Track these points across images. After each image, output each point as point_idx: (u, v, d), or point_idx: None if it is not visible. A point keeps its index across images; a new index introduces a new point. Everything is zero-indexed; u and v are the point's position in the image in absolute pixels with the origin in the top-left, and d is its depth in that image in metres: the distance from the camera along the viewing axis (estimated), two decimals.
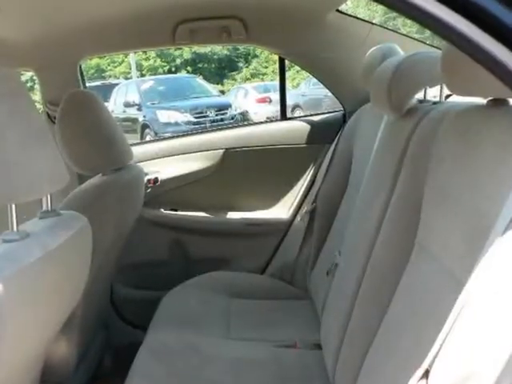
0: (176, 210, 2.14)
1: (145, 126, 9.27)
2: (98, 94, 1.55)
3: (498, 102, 0.86)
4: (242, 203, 2.17)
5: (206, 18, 1.87)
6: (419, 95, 1.28)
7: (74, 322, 1.33)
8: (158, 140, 2.54)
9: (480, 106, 0.90)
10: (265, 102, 10.85)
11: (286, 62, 2.20)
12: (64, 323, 1.21)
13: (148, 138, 8.79)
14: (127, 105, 9.73)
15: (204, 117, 9.24)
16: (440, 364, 0.78)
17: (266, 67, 16.87)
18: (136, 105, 9.63)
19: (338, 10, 1.91)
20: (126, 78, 14.56)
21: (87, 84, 2.16)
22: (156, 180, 2.08)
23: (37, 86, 1.96)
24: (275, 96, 9.20)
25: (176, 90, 10.11)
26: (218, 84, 15.98)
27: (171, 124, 8.96)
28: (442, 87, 1.29)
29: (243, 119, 9.88)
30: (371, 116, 1.65)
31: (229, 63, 17.56)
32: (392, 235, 1.08)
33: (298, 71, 13.56)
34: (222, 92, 12.52)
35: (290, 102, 9.40)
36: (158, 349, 1.44)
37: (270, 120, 2.85)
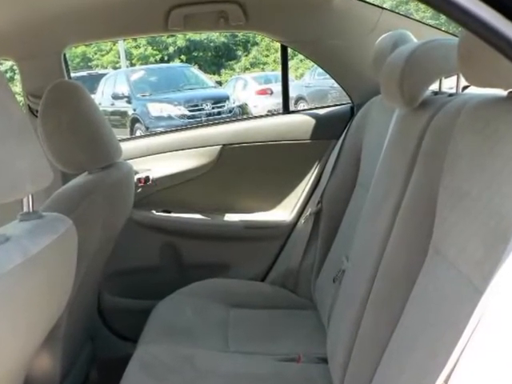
0: (169, 212, 2.14)
1: (135, 120, 9.27)
2: (84, 85, 1.55)
3: None
4: (241, 204, 2.18)
5: (201, 1, 1.87)
6: (434, 86, 1.28)
7: (57, 333, 1.33)
8: (149, 135, 2.53)
9: (500, 98, 0.90)
10: (266, 94, 10.87)
11: (289, 50, 2.20)
12: (47, 335, 1.21)
13: (138, 132, 8.81)
14: (116, 97, 9.74)
15: (199, 110, 9.24)
16: (457, 379, 0.78)
17: (267, 56, 16.88)
18: (125, 97, 9.64)
19: None
20: (115, 68, 14.57)
21: (72, 74, 2.16)
22: (147, 179, 2.08)
23: (17, 77, 1.96)
24: (277, 87, 9.21)
25: (169, 80, 10.12)
26: (214, 74, 16.00)
27: (163, 118, 8.96)
28: (458, 78, 1.29)
29: (242, 112, 9.89)
30: (381, 109, 1.66)
31: (226, 51, 17.57)
32: (404, 239, 1.08)
33: (301, 60, 13.57)
34: (219, 83, 12.54)
35: (293, 93, 9.42)
36: (150, 363, 1.44)
37: (271, 113, 2.85)
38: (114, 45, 15.41)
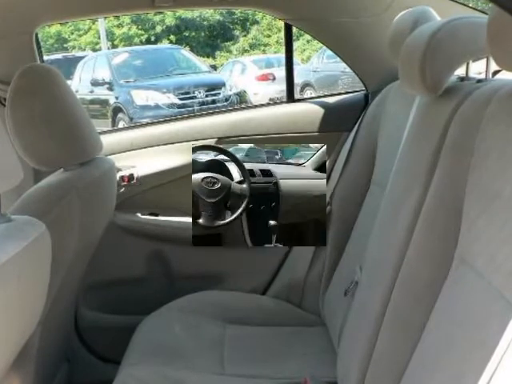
0: (156, 215, 2.14)
1: (117, 110, 9.29)
2: (59, 70, 1.55)
3: None
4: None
5: None
6: (460, 71, 1.29)
7: (29, 353, 1.33)
8: (133, 127, 2.54)
9: None
10: (267, 80, 10.90)
11: (294, 29, 2.21)
12: (17, 355, 1.21)
13: (121, 124, 8.82)
14: (95, 83, 9.76)
15: (191, 98, 9.26)
16: None
17: (269, 36, 16.91)
18: (106, 83, 9.66)
19: None
20: (94, 50, 14.59)
21: (45, 57, 2.16)
22: (131, 177, 2.08)
23: None
24: (280, 72, 9.22)
25: (156, 64, 10.14)
26: (208, 57, 16.03)
27: (150, 107, 8.98)
28: (488, 61, 1.29)
29: (240, 101, 9.90)
30: (400, 97, 1.66)
31: (222, 31, 17.60)
32: (426, 246, 1.09)
33: (308, 41, 13.60)
34: (214, 67, 12.55)
35: (298, 79, 9.42)
36: None
37: (273, 102, 2.85)
38: (94, 23, 15.43)
